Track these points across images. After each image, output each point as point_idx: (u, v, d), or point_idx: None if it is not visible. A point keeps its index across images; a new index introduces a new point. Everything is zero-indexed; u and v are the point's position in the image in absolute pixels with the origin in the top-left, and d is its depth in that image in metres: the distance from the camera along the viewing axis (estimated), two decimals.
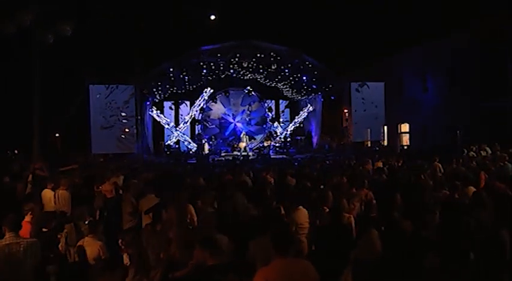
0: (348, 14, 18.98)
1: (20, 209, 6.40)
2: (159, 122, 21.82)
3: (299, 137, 24.09)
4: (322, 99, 22.24)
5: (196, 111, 22.67)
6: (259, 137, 23.53)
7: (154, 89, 18.35)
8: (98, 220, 4.71)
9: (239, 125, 23.44)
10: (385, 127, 22.78)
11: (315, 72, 19.38)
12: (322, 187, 7.50)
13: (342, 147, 19.78)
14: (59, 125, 18.27)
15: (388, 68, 21.20)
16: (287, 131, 23.75)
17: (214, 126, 23.47)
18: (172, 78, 19.12)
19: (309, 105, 23.51)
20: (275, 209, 4.83)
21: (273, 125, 24.00)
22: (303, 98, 23.66)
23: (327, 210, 5.07)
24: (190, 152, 21.48)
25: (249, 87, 23.06)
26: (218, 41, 18.01)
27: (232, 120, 23.49)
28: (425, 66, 19.45)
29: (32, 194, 8.78)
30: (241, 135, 21.00)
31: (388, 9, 18.60)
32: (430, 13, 18.22)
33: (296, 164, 13.20)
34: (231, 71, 20.08)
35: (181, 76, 19.08)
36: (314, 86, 20.65)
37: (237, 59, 18.76)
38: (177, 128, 22.40)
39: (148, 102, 20.44)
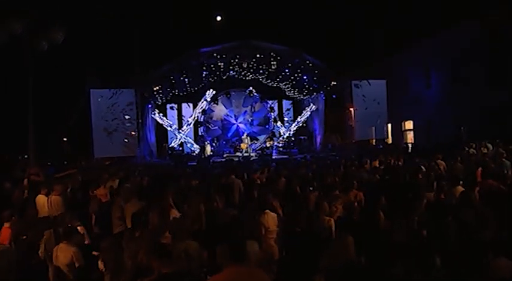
0: (349, 11, 18.76)
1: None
2: (162, 124, 21.96)
3: (302, 137, 23.98)
4: (324, 98, 22.11)
5: (199, 113, 22.73)
6: (262, 138, 23.46)
7: (155, 92, 18.42)
8: (74, 227, 4.67)
9: (241, 126, 23.42)
10: (389, 125, 22.55)
11: (316, 72, 19.25)
12: (311, 188, 7.44)
13: (346, 146, 19.56)
14: (62, 130, 18.46)
15: (391, 65, 20.92)
16: (290, 131, 23.65)
17: (216, 127, 23.49)
18: (173, 81, 19.21)
19: (311, 104, 23.38)
20: (234, 216, 4.76)
21: (276, 125, 23.92)
22: (305, 97, 23.53)
23: (309, 213, 5.00)
24: (194, 154, 21.53)
25: (251, 88, 23.02)
26: (217, 42, 17.98)
27: (234, 122, 23.48)
28: (429, 61, 19.13)
29: (28, 199, 8.92)
30: (243, 137, 20.98)
31: (389, 4, 18.34)
32: (432, 6, 17.88)
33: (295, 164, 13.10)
34: (233, 72, 20.08)
35: (181, 78, 19.15)
36: (315, 86, 20.52)
37: (237, 60, 18.75)
38: (180, 130, 22.49)
39: (150, 105, 20.56)
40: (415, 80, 20.04)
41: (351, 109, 19.41)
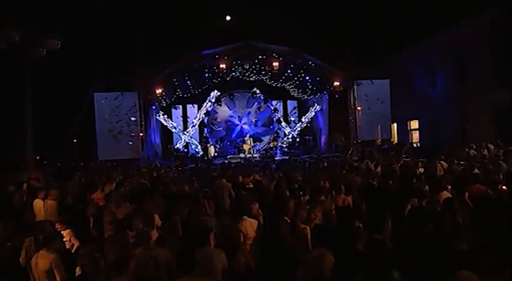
0: (350, 11, 18.58)
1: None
2: (166, 126, 22.15)
3: (307, 137, 23.93)
4: (328, 98, 22.00)
5: (203, 114, 22.85)
6: (266, 138, 23.46)
7: (159, 95, 18.56)
8: (54, 234, 4.76)
9: (245, 126, 23.46)
10: (395, 124, 22.29)
11: (318, 72, 19.15)
12: (301, 192, 7.41)
13: (349, 146, 19.37)
14: (69, 132, 18.80)
15: (395, 64, 20.69)
16: (295, 131, 23.60)
17: (221, 128, 23.59)
18: (176, 83, 19.34)
19: (316, 104, 23.30)
20: (205, 223, 4.77)
21: (280, 125, 23.90)
22: (309, 97, 23.44)
23: (288, 221, 4.99)
24: (198, 155, 21.66)
25: (255, 89, 23.04)
26: (219, 44, 18.03)
27: (238, 123, 23.53)
28: (433, 60, 18.83)
29: (26, 203, 9.14)
30: (245, 138, 21.03)
31: (392, 3, 18.11)
32: (437, 4, 17.58)
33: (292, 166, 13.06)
34: (236, 73, 20.11)
35: (184, 81, 19.28)
36: (318, 86, 20.42)
37: (239, 62, 18.77)
38: (185, 132, 22.65)
39: (154, 107, 20.74)
40: (420, 79, 19.76)
41: (357, 109, 19.16)
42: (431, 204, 5.15)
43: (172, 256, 3.94)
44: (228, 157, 20.58)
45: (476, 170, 8.16)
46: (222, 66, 17.98)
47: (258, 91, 23.19)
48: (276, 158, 19.43)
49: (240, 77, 20.84)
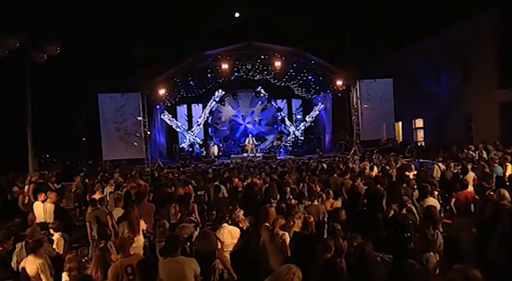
0: (354, 9, 18.44)
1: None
2: (171, 126, 22.41)
3: (312, 136, 23.95)
4: (331, 97, 21.94)
5: (208, 114, 23.03)
6: (270, 138, 23.52)
7: (162, 95, 18.74)
8: (40, 239, 4.95)
9: (249, 126, 23.55)
10: (400, 123, 22.08)
11: (321, 71, 19.09)
12: (291, 196, 7.49)
13: (352, 145, 19.29)
14: (75, 131, 19.20)
15: (400, 62, 20.47)
16: (299, 130, 23.63)
17: (225, 128, 23.73)
18: (180, 84, 19.51)
19: (320, 103, 23.28)
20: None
21: (285, 124, 23.93)
22: (313, 96, 23.40)
23: (270, 227, 5.07)
24: (202, 154, 21.84)
25: (259, 88, 23.09)
26: (221, 45, 18.10)
27: (242, 122, 23.63)
28: (438, 58, 18.57)
29: (28, 205, 9.47)
30: (248, 138, 21.14)
31: (395, 1, 17.92)
32: (441, 2, 17.31)
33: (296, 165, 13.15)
34: (240, 72, 20.17)
35: (187, 81, 19.44)
36: (321, 85, 20.38)
37: (241, 62, 18.83)
38: (189, 131, 22.87)
39: (158, 106, 20.96)
40: (424, 78, 19.52)
41: (363, 106, 18.95)
42: (409, 214, 5.17)
43: None
44: (231, 156, 20.74)
45: (469, 173, 8.14)
46: (225, 66, 18.05)
47: (262, 90, 23.24)
48: (280, 157, 19.51)
49: (244, 76, 20.90)
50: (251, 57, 18.60)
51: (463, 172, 7.97)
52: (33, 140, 9.90)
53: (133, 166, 16.98)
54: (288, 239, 4.75)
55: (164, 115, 21.99)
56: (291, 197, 7.34)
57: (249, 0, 18.18)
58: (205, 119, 23.12)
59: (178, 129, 22.68)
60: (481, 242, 4.88)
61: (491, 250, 4.31)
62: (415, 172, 8.82)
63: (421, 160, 14.27)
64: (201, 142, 22.97)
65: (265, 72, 20.13)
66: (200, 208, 7.01)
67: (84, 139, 25.20)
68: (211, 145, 21.60)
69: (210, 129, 23.46)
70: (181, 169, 14.73)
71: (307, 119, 23.78)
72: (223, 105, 23.33)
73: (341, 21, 18.12)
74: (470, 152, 10.74)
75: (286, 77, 20.57)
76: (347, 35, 18.00)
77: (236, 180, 9.23)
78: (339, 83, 18.70)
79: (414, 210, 5.54)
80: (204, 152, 21.79)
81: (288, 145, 22.84)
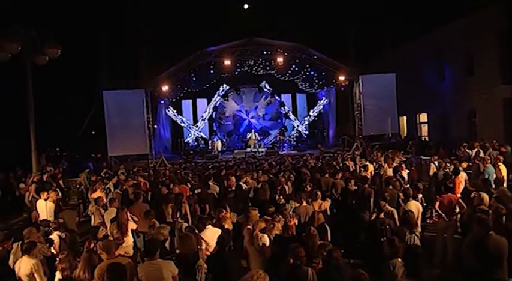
0: (358, 3, 18.27)
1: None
2: (176, 121, 22.69)
3: (316, 130, 24.00)
4: (335, 92, 21.91)
5: (212, 109, 23.21)
6: (274, 132, 23.64)
7: (166, 92, 18.96)
8: (33, 241, 5.22)
9: (253, 121, 23.68)
10: (405, 118, 21.95)
11: (323, 66, 19.06)
12: (281, 196, 7.66)
13: (355, 141, 19.28)
14: (82, 128, 19.61)
15: (403, 57, 20.26)
16: (302, 124, 23.68)
17: (229, 123, 23.90)
18: (183, 80, 19.71)
19: (324, 98, 23.26)
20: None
21: (288, 119, 23.98)
22: (317, 91, 23.37)
23: (251, 229, 5.26)
24: (208, 149, 22.05)
25: (263, 83, 23.14)
26: (223, 41, 18.19)
27: (246, 117, 23.76)
28: (442, 53, 18.36)
29: (31, 202, 9.87)
30: (250, 133, 21.29)
31: None
32: None
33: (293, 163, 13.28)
34: (244, 68, 20.25)
35: (190, 77, 19.62)
36: (324, 80, 20.36)
37: (243, 58, 18.91)
38: (193, 126, 23.10)
39: (162, 101, 21.19)
40: (427, 73, 19.32)
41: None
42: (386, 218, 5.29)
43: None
44: (235, 151, 20.95)
45: (461, 174, 8.18)
46: (227, 62, 18.15)
47: (266, 85, 23.29)
48: (282, 152, 19.64)
49: (248, 71, 20.97)
50: (253, 53, 18.66)
51: (454, 173, 8.00)
52: (36, 138, 10.20)
53: (138, 161, 17.32)
54: (267, 242, 4.93)
55: (169, 110, 22.25)
56: (281, 197, 7.51)
57: None
58: (210, 114, 23.32)
59: (182, 124, 22.94)
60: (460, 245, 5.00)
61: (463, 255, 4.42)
62: (407, 171, 8.87)
63: (421, 157, 14.27)
64: (205, 137, 23.20)
65: (268, 68, 20.18)
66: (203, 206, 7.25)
67: (93, 133, 25.73)
68: (214, 140, 21.80)
69: (214, 125, 23.65)
70: (183, 165, 14.97)
71: (311, 113, 23.80)
72: (227, 100, 23.48)
73: (344, 16, 17.97)
74: (467, 150, 10.71)
75: (290, 72, 20.60)
76: (350, 30, 17.85)
77: (233, 179, 9.40)
78: (342, 78, 18.66)
79: (395, 213, 5.66)
80: (210, 147, 22.03)
81: (292, 139, 22.93)
